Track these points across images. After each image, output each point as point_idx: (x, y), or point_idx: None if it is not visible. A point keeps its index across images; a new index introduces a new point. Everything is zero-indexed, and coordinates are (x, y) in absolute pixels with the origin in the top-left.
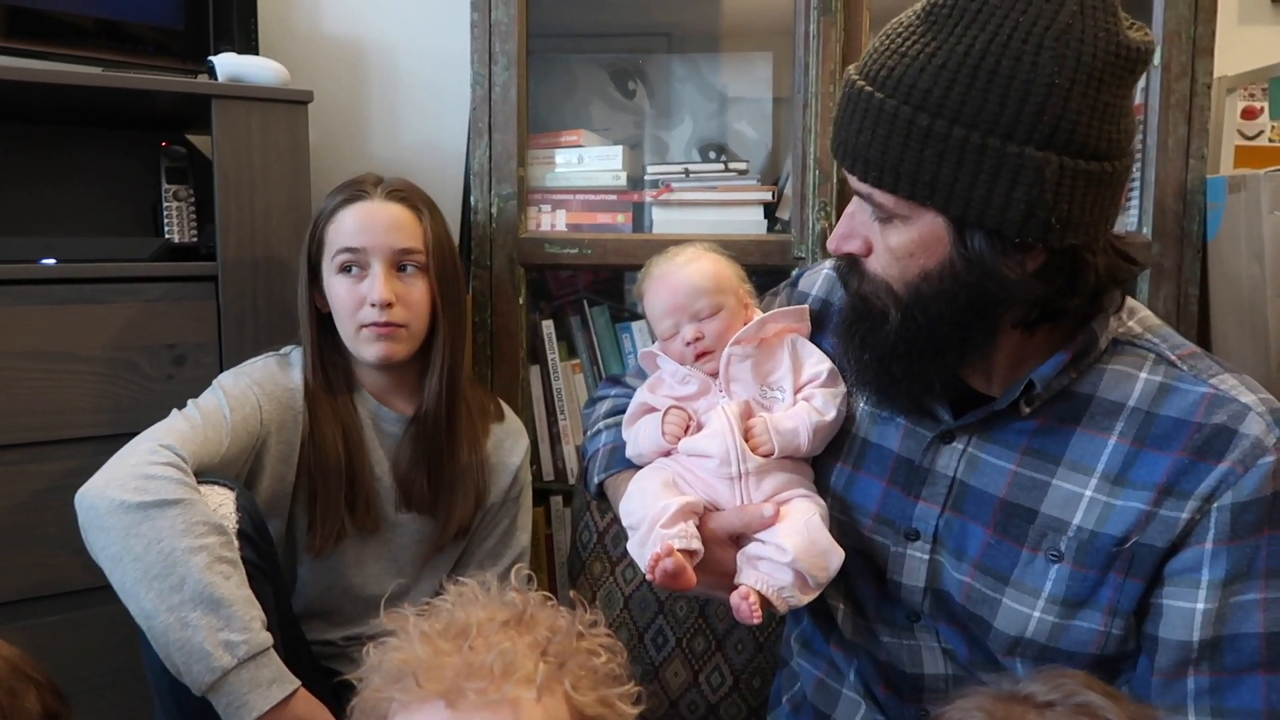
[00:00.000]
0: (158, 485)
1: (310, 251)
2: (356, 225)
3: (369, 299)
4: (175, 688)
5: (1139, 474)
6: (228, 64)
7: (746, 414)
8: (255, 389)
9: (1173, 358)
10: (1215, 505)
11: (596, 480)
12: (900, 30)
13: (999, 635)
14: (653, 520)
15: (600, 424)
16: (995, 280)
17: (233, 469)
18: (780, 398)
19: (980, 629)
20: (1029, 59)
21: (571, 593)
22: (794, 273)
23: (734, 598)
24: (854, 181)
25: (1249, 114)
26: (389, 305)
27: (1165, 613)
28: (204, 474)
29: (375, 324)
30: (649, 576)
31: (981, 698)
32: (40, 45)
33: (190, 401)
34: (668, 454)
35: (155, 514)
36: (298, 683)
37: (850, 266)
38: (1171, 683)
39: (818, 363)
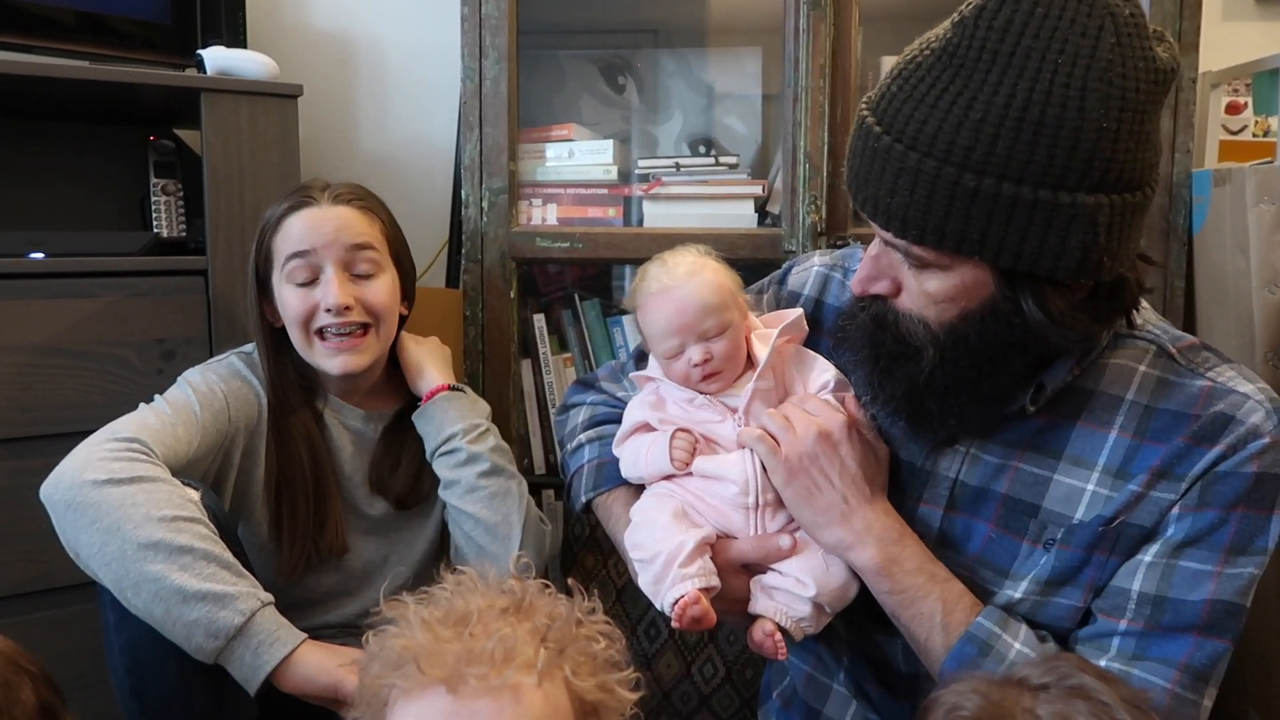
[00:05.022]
0: (133, 466)
1: (257, 265)
2: (304, 229)
3: (323, 304)
4: (139, 689)
5: (1139, 465)
6: (216, 57)
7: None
8: (221, 385)
9: (1172, 350)
10: (1200, 481)
11: (584, 499)
12: (920, 74)
13: None
14: (669, 558)
15: (581, 436)
16: (1039, 317)
17: (200, 467)
18: None
19: None
20: (1074, 105)
21: (569, 580)
22: (784, 267)
23: (756, 634)
24: (882, 233)
25: (1233, 109)
26: (346, 309)
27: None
28: (173, 472)
29: (331, 333)
30: (675, 624)
31: (976, 681)
32: (26, 39)
33: (158, 396)
34: (668, 476)
35: (146, 485)
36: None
37: (881, 303)
38: (1101, 622)
39: (823, 371)
